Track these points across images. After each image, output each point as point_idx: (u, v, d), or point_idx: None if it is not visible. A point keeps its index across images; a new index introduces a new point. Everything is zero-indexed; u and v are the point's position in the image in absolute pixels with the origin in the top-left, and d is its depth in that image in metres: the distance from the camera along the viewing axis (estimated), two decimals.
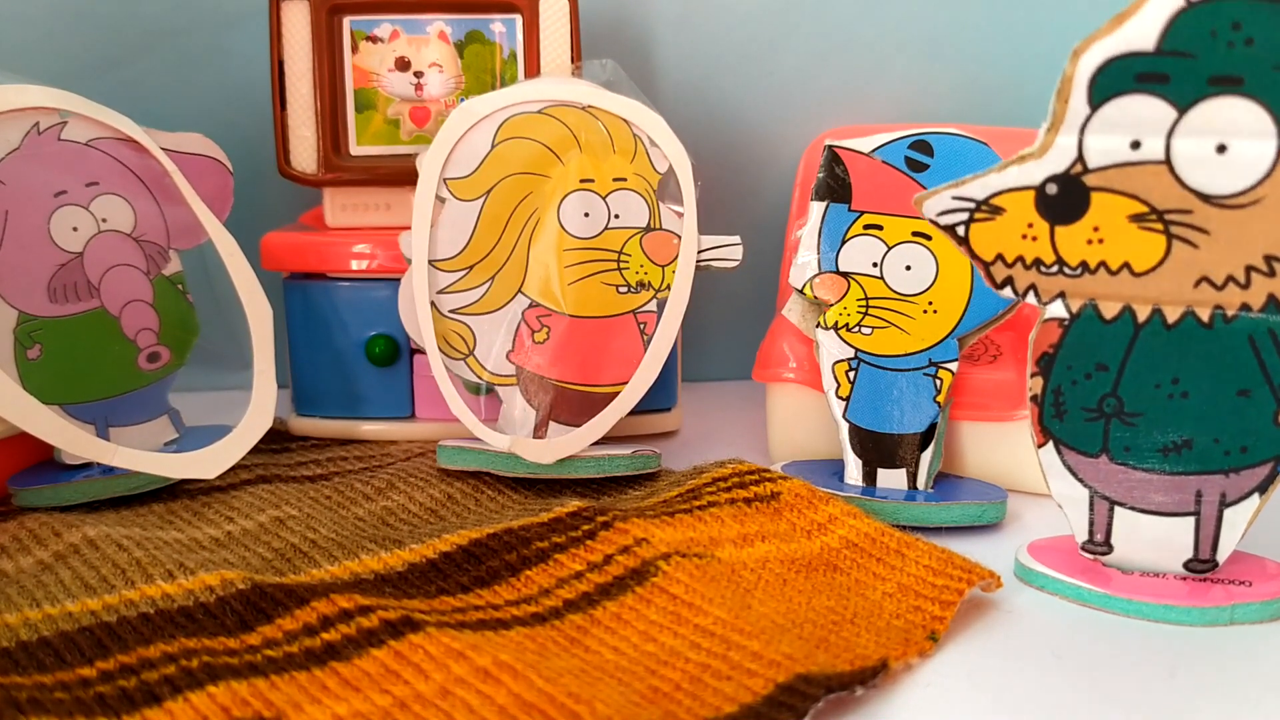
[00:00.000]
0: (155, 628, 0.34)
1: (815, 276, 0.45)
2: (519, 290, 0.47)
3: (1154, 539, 0.37)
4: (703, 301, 0.49)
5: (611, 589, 0.36)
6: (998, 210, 0.35)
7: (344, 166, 0.52)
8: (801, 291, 0.46)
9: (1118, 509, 0.37)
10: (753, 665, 0.31)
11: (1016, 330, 0.49)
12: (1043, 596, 0.38)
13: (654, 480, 0.47)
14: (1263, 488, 0.35)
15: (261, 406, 0.46)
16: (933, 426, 0.44)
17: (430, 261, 0.47)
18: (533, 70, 0.52)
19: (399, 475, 0.47)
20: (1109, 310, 0.35)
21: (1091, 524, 0.37)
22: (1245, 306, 0.33)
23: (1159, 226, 0.33)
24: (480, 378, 0.47)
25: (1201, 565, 0.36)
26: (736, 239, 0.47)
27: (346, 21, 0.52)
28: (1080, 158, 0.34)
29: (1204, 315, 0.34)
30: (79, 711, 0.30)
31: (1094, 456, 0.36)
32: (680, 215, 0.47)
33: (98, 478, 0.45)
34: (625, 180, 0.47)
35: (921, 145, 0.43)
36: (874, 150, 0.44)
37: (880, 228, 0.44)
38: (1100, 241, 0.34)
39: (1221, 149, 0.32)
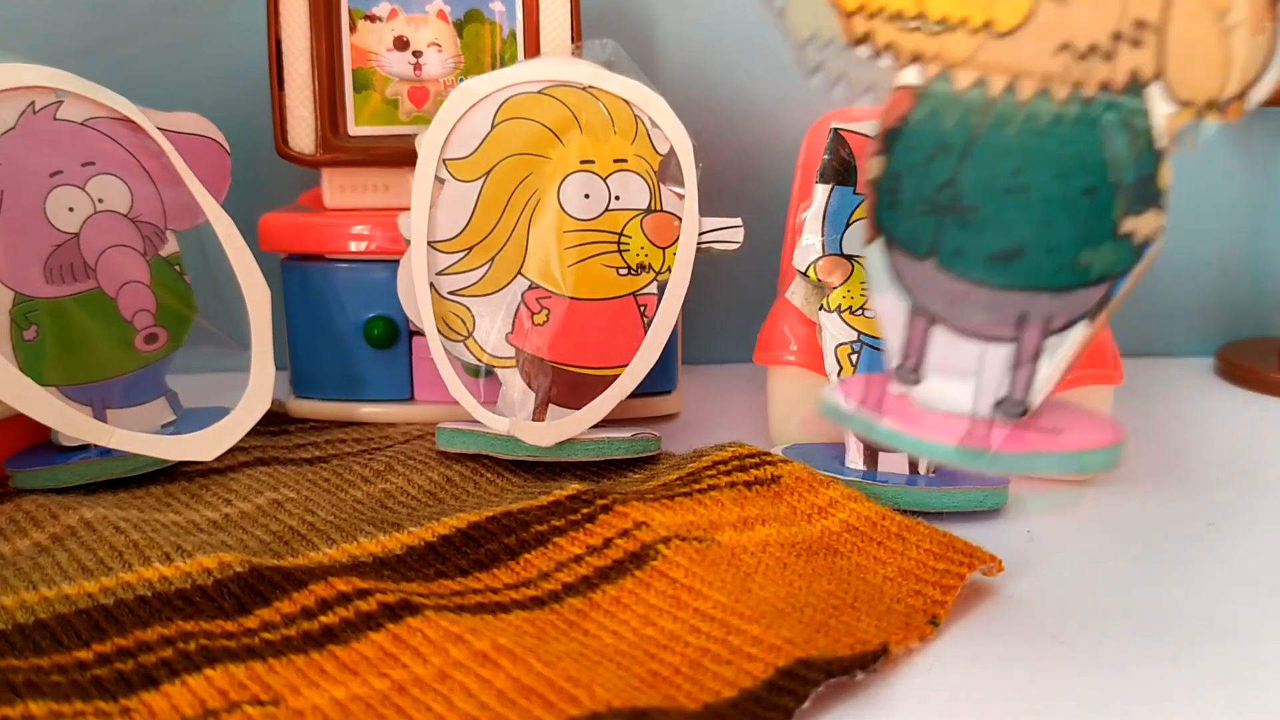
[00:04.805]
0: (152, 611, 0.34)
1: (819, 259, 0.45)
2: (519, 272, 0.47)
3: (966, 369, 0.32)
4: (703, 284, 0.49)
5: (610, 572, 0.36)
6: None
7: (342, 147, 0.52)
8: (805, 274, 0.45)
9: (935, 331, 0.32)
10: (753, 650, 0.31)
11: None
12: (1044, 580, 0.37)
13: (654, 463, 0.47)
14: (1093, 314, 0.30)
15: (259, 388, 0.46)
16: None
17: (429, 243, 0.46)
18: (532, 50, 0.51)
19: (397, 458, 0.47)
20: (963, 79, 0.30)
21: (907, 344, 0.33)
22: (1106, 86, 0.29)
23: None
24: (479, 360, 0.47)
25: (1013, 407, 0.32)
26: (738, 221, 0.47)
27: (344, 0, 0.51)
28: None
29: (1060, 92, 0.29)
30: (76, 695, 0.30)
31: (922, 258, 0.32)
32: (681, 197, 0.47)
33: (95, 460, 0.44)
34: (626, 161, 0.47)
35: None
36: None
37: None
38: None
39: None
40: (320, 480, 0.45)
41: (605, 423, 0.46)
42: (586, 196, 0.47)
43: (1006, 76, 0.30)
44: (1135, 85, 0.28)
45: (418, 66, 0.52)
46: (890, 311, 0.33)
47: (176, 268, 0.48)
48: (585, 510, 0.39)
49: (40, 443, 0.47)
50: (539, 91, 0.47)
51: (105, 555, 0.37)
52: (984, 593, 0.36)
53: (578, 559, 0.37)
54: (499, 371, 0.47)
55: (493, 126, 0.46)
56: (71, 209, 0.45)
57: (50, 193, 0.44)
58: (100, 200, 0.45)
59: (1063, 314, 0.30)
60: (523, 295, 0.47)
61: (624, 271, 0.47)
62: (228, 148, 0.48)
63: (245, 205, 0.50)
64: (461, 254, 0.47)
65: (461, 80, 0.51)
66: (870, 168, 0.32)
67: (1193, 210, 0.64)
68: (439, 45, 0.52)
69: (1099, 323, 0.30)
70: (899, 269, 0.32)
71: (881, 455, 0.44)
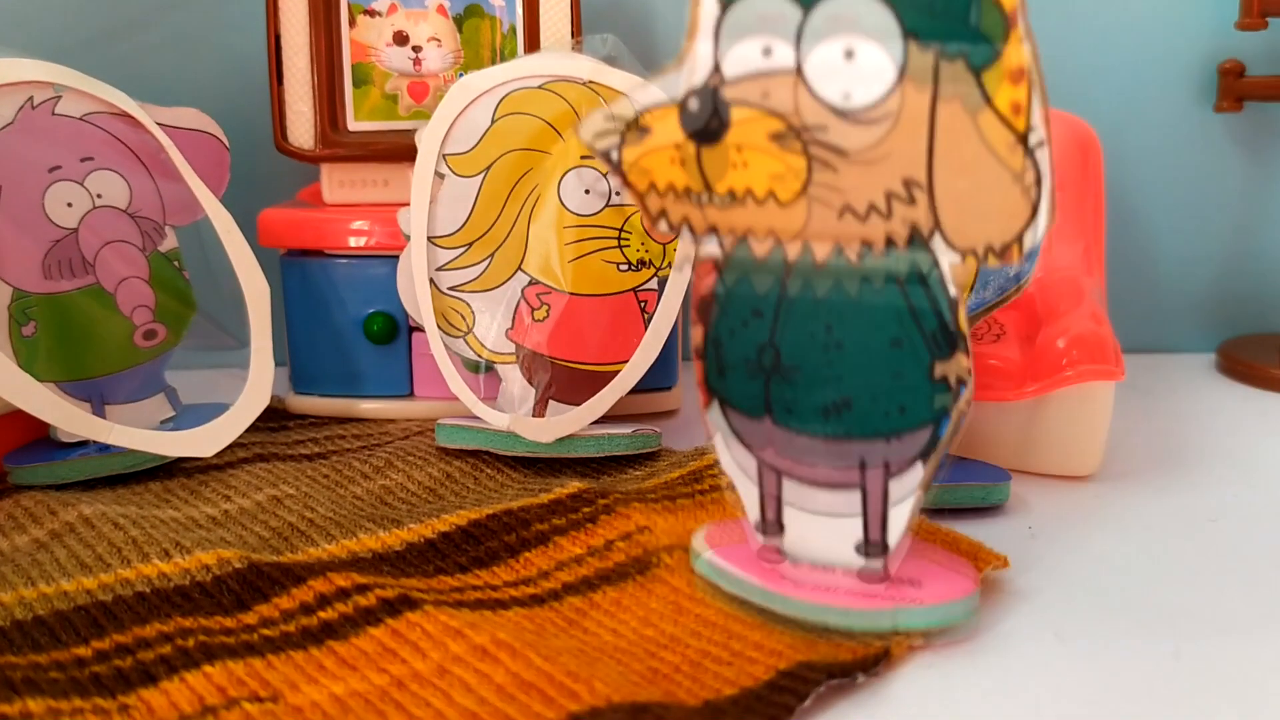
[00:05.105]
0: (151, 607, 0.34)
1: None
2: (519, 267, 0.47)
3: (823, 518, 0.33)
4: None
5: (612, 575, 0.36)
6: (646, 130, 0.31)
7: (341, 142, 0.52)
8: None
9: (786, 483, 0.33)
10: (754, 654, 0.31)
11: (1020, 309, 0.48)
12: (1045, 577, 0.37)
13: (654, 460, 0.47)
14: (925, 454, 0.31)
15: (259, 384, 0.46)
16: None
17: (429, 238, 0.46)
18: (532, 45, 0.51)
19: (397, 454, 0.47)
20: (760, 247, 0.31)
21: (762, 499, 0.33)
22: (891, 242, 0.29)
23: (798, 147, 0.29)
24: (479, 356, 0.47)
25: (874, 549, 0.32)
26: None
27: None
28: (718, 67, 0.30)
29: (851, 253, 0.30)
30: (74, 692, 0.30)
31: (758, 419, 0.32)
32: None
33: (94, 456, 0.44)
34: None
35: None
36: None
37: None
38: (745, 165, 0.30)
39: (849, 54, 0.28)
40: (320, 476, 0.45)
41: (605, 419, 0.46)
42: (587, 192, 0.46)
43: (800, 241, 0.31)
44: (919, 239, 0.29)
45: (417, 61, 0.52)
46: (740, 470, 0.34)
47: (175, 263, 0.47)
48: (586, 510, 0.39)
49: (39, 439, 0.47)
50: (539, 86, 0.46)
51: (104, 552, 0.37)
52: (985, 589, 0.36)
53: (578, 559, 0.37)
54: (499, 367, 0.47)
55: (493, 121, 0.46)
56: (70, 204, 0.45)
57: (49, 188, 0.44)
58: (99, 196, 0.45)
59: (898, 457, 0.31)
60: (523, 291, 0.47)
61: (624, 267, 0.47)
62: (227, 143, 0.48)
63: (244, 200, 0.49)
64: (461, 249, 0.47)
65: (461, 75, 0.51)
66: (692, 337, 0.33)
67: (1194, 206, 0.64)
68: (439, 40, 0.52)
69: (934, 462, 0.31)
70: (738, 429, 0.33)
71: None
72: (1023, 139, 0.27)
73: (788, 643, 0.31)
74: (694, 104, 0.30)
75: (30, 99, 0.44)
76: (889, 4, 0.28)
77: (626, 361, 0.46)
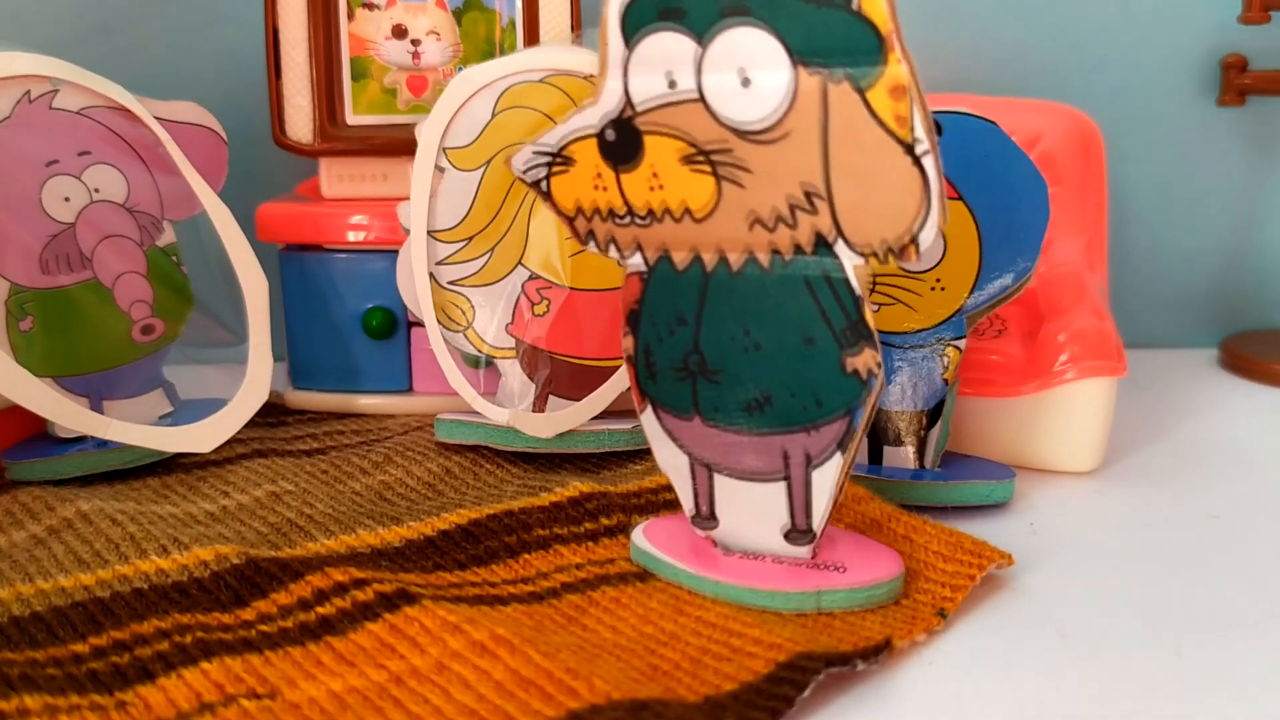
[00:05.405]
0: (149, 603, 0.34)
1: None
2: (519, 262, 0.46)
3: (751, 508, 0.35)
4: None
5: (612, 579, 0.36)
6: (570, 160, 0.34)
7: (340, 136, 0.52)
8: None
9: (717, 476, 0.35)
10: (754, 649, 0.31)
11: (1022, 305, 0.48)
12: (1048, 573, 0.37)
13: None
14: (843, 444, 0.33)
15: (257, 380, 0.46)
16: (940, 404, 0.43)
17: (429, 232, 0.46)
18: (531, 39, 0.51)
19: (396, 449, 0.47)
20: (681, 260, 0.34)
21: (695, 494, 0.36)
22: (799, 248, 0.32)
23: (706, 166, 0.32)
24: (479, 350, 0.47)
25: (800, 535, 0.34)
26: None
27: None
28: (628, 100, 0.33)
29: (763, 260, 0.33)
30: (71, 688, 0.30)
31: (688, 419, 0.35)
32: None
33: (91, 451, 0.44)
34: None
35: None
36: None
37: None
38: (661, 186, 0.33)
39: (746, 81, 0.31)
40: (318, 472, 0.45)
41: (605, 414, 0.46)
42: None
43: (715, 251, 0.33)
44: (822, 243, 0.32)
45: (416, 55, 0.51)
46: (673, 464, 0.36)
47: (173, 258, 0.47)
48: (589, 525, 0.39)
49: (37, 434, 0.47)
50: (540, 80, 0.46)
51: (101, 548, 0.37)
52: (987, 585, 0.36)
53: (578, 565, 0.37)
54: (499, 362, 0.47)
55: (493, 115, 0.46)
56: (67, 199, 0.44)
57: (46, 182, 0.44)
58: (96, 190, 0.45)
59: (818, 447, 0.33)
60: (523, 285, 0.46)
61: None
62: (225, 137, 0.48)
63: (242, 195, 0.49)
64: (461, 244, 0.46)
65: (460, 69, 0.51)
66: (624, 347, 0.36)
67: (1196, 201, 0.64)
68: (438, 33, 0.51)
69: (851, 450, 0.33)
70: (670, 429, 0.36)
71: (886, 450, 0.44)
72: (908, 148, 0.29)
73: (787, 636, 0.31)
74: (610, 134, 0.33)
75: (27, 93, 0.43)
76: (776, 35, 0.31)
77: None
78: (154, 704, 0.29)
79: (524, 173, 0.35)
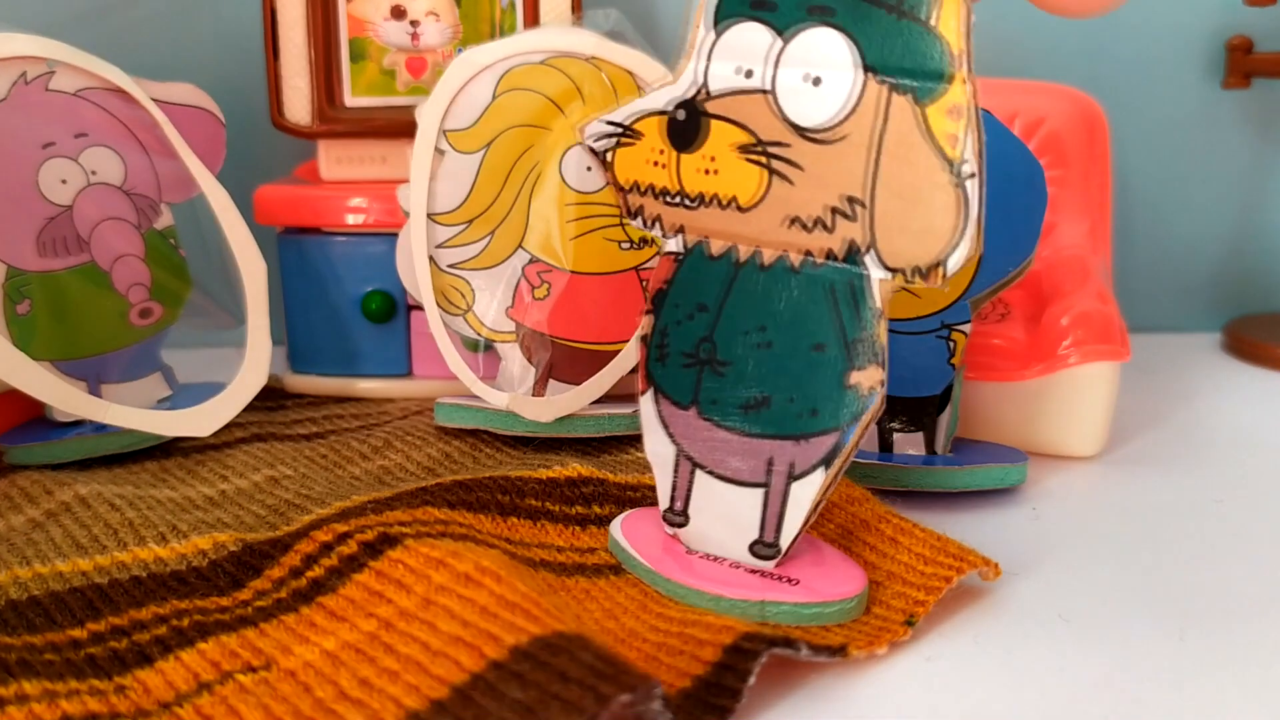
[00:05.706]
0: (147, 591, 0.34)
1: None
2: (519, 245, 0.46)
3: (725, 512, 0.35)
4: None
5: (588, 569, 0.36)
6: (637, 135, 0.35)
7: (338, 118, 0.51)
8: None
9: (698, 475, 0.35)
10: (704, 635, 0.30)
11: (1025, 288, 0.48)
12: (1050, 559, 0.37)
13: None
14: (828, 461, 0.33)
15: (256, 363, 0.46)
16: (948, 389, 0.43)
17: (429, 215, 0.46)
18: (531, 20, 0.51)
19: (396, 433, 0.46)
20: (717, 248, 0.34)
21: (673, 488, 0.36)
22: (831, 254, 0.32)
23: (762, 159, 0.33)
24: (479, 334, 0.46)
25: (765, 548, 0.34)
26: None
27: None
28: (705, 84, 0.34)
29: (795, 260, 0.33)
30: (70, 673, 0.30)
31: (684, 408, 0.35)
32: None
33: (90, 435, 0.44)
34: None
35: None
36: None
37: None
38: (715, 172, 0.34)
39: (816, 81, 0.32)
40: (317, 456, 0.45)
41: (606, 398, 0.46)
42: (589, 169, 0.46)
43: (751, 245, 0.34)
44: (854, 253, 0.32)
45: (415, 36, 0.51)
46: (660, 455, 0.36)
47: (171, 241, 0.47)
48: (580, 509, 0.39)
49: (34, 418, 0.46)
50: (541, 62, 0.46)
51: (100, 532, 0.37)
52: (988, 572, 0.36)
53: (560, 549, 0.37)
54: (498, 346, 0.46)
55: (494, 97, 0.46)
56: (64, 181, 0.44)
57: (42, 164, 0.44)
58: (93, 172, 0.45)
59: (803, 460, 0.33)
60: (523, 269, 0.46)
61: (626, 245, 0.46)
62: (223, 119, 0.48)
63: (240, 177, 0.49)
64: (461, 227, 0.46)
65: (460, 50, 0.51)
66: (642, 325, 0.36)
67: (1200, 185, 0.63)
68: (437, 14, 0.51)
69: (835, 469, 0.33)
70: (665, 418, 0.36)
71: (896, 437, 0.43)
72: (954, 170, 0.30)
73: (736, 619, 0.31)
74: (681, 115, 0.34)
75: (23, 74, 0.43)
76: (854, 40, 0.31)
77: (627, 340, 0.46)
78: (153, 687, 0.29)
79: (594, 144, 0.36)
